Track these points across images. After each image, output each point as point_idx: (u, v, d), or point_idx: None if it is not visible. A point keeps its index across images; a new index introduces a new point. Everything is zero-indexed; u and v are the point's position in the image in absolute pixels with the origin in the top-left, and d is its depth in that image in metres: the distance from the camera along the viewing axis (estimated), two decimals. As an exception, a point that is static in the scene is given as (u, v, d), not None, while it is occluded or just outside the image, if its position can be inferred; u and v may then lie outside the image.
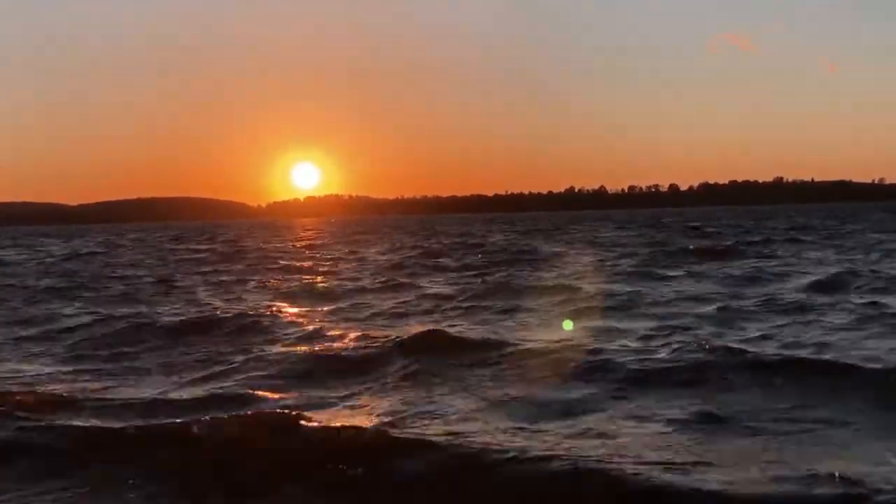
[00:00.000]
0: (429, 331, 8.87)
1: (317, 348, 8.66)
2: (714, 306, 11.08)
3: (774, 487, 4.04)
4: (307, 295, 14.99)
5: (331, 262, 25.00)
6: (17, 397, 6.45)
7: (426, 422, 5.61)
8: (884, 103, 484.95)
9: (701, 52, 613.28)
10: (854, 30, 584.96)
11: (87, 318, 11.61)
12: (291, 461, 4.70)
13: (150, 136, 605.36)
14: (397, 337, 8.57)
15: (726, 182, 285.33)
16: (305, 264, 24.40)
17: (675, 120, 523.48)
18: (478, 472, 4.41)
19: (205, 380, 7.49)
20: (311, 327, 10.28)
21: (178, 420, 5.48)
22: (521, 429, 5.28)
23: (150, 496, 4.45)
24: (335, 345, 8.85)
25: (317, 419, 5.37)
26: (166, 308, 13.11)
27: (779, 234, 33.45)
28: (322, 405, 6.25)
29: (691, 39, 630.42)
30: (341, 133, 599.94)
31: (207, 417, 5.38)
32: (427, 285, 15.98)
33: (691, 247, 24.60)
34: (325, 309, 12.66)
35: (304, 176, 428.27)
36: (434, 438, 4.89)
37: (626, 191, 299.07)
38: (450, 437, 4.95)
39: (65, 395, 6.67)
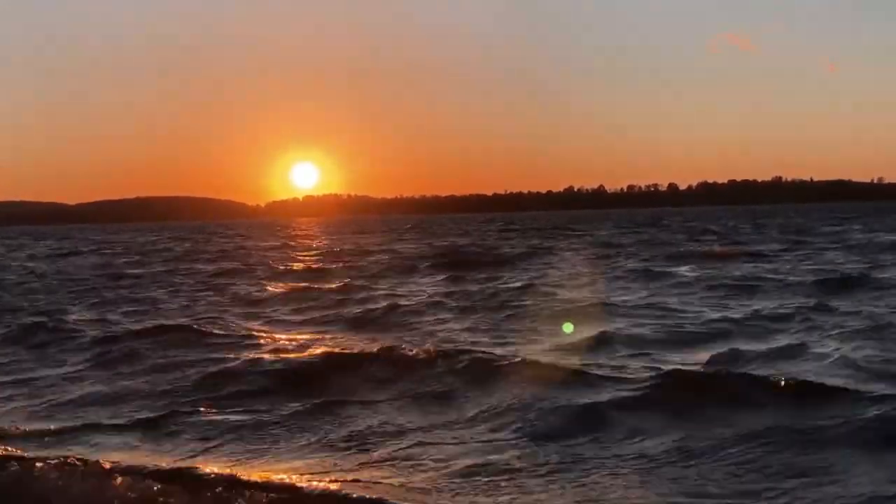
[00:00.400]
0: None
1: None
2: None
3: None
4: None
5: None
6: None
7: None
8: (883, 103, 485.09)
9: (701, 52, 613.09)
10: (854, 30, 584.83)
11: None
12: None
13: (149, 136, 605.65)
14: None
15: (725, 181, 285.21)
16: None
17: (674, 120, 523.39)
18: None
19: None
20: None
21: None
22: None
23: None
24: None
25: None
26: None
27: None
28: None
29: (691, 39, 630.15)
30: (340, 133, 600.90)
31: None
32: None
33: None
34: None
35: (304, 175, 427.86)
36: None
37: (626, 190, 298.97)
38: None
39: None
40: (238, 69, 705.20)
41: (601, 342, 9.01)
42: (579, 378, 6.87)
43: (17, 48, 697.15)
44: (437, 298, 14.27)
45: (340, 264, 24.88)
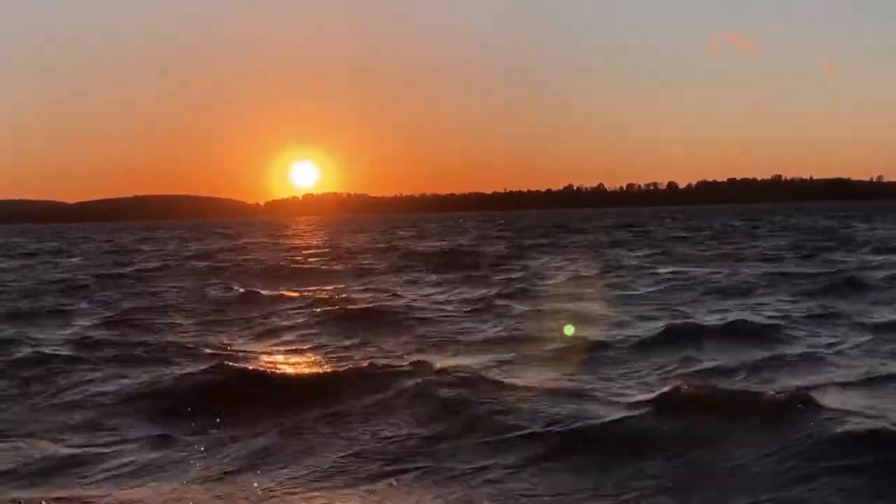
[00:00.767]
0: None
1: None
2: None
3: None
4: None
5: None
6: None
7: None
8: (883, 102, 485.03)
9: (700, 51, 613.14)
10: (854, 30, 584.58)
11: None
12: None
13: (149, 135, 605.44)
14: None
15: (725, 180, 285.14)
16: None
17: (674, 119, 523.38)
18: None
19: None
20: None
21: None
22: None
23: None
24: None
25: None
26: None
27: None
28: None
29: (691, 39, 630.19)
30: (340, 132, 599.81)
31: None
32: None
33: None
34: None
35: (303, 174, 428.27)
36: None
37: (625, 188, 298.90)
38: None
39: None
40: (238, 69, 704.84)
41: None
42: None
43: (17, 48, 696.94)
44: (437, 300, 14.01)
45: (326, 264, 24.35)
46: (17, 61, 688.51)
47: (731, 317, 10.12)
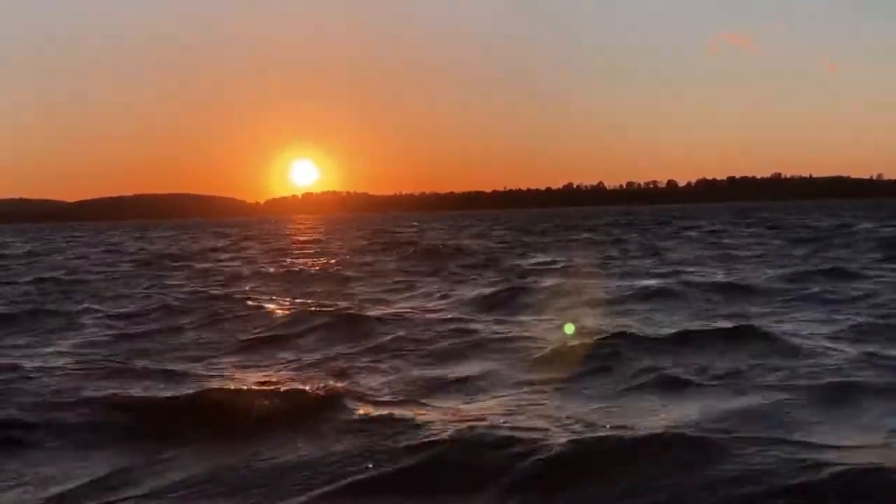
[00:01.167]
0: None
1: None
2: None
3: None
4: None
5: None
6: None
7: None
8: (882, 101, 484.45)
9: (700, 51, 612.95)
10: (853, 29, 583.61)
11: None
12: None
13: (149, 135, 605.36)
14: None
15: (725, 178, 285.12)
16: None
17: (674, 118, 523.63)
18: None
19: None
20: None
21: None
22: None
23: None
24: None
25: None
26: None
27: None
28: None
29: (691, 39, 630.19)
30: (340, 131, 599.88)
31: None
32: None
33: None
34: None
35: (303, 173, 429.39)
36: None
37: (625, 187, 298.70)
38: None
39: None
40: (238, 69, 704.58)
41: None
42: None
43: (17, 48, 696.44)
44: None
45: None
46: (17, 61, 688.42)
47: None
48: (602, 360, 7.07)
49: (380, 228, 63.36)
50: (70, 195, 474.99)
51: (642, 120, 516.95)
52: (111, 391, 6.47)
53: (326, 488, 4.42)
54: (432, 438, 4.93)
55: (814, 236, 27.79)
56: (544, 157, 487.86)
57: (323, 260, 23.81)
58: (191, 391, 6.28)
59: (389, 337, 9.01)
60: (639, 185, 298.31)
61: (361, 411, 5.68)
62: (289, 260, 24.41)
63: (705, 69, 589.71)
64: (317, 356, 8.24)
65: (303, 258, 25.00)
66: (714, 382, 6.26)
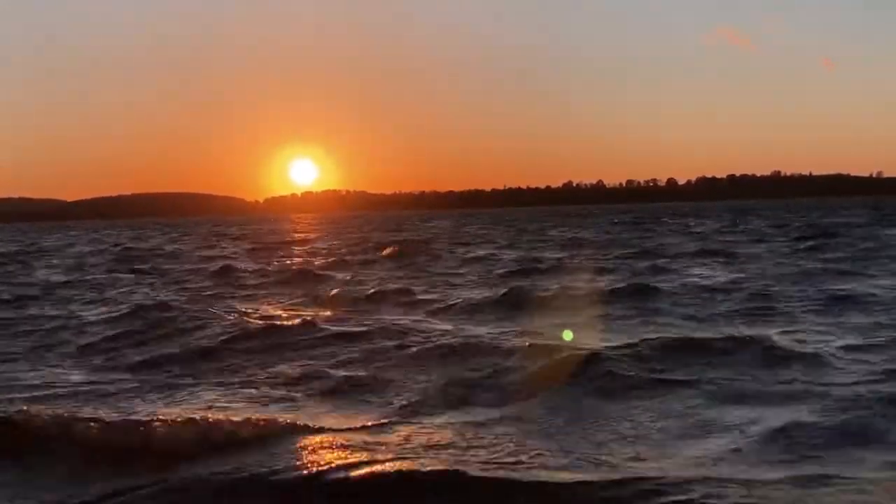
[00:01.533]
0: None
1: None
2: None
3: None
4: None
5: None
6: None
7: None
8: (882, 98, 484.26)
9: (700, 49, 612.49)
10: (853, 27, 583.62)
11: None
12: None
13: (148, 134, 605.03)
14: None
15: (724, 176, 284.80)
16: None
17: (673, 116, 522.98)
18: None
19: None
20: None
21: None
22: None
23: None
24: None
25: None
26: None
27: None
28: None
29: (690, 36, 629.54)
30: (340, 130, 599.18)
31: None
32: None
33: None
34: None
35: (302, 172, 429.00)
36: None
37: (624, 185, 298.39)
38: None
39: None
40: (237, 67, 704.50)
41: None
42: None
43: (17, 48, 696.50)
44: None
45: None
46: (17, 61, 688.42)
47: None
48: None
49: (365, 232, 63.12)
50: (69, 194, 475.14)
51: (641, 118, 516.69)
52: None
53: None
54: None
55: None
56: (544, 155, 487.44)
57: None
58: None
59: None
60: (638, 183, 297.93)
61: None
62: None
63: (705, 67, 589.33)
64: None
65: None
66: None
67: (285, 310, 12.56)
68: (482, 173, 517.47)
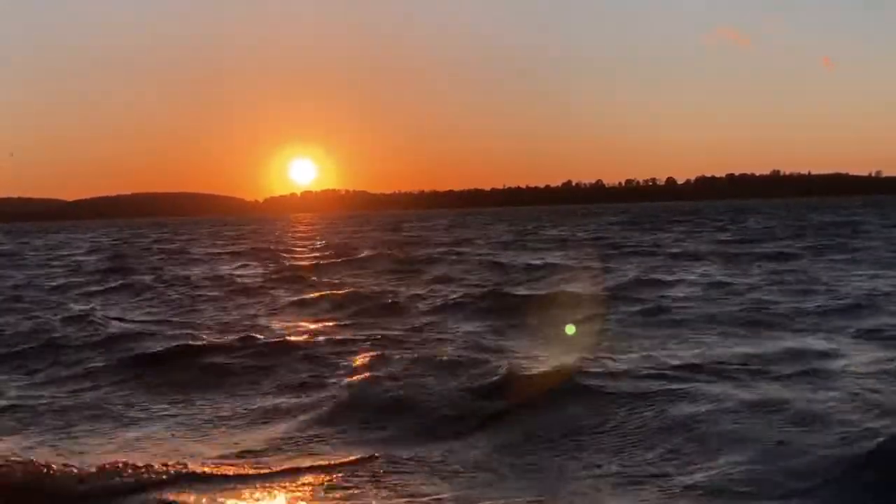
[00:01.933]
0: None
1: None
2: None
3: None
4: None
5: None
6: None
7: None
8: (881, 97, 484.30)
9: (699, 48, 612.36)
10: (853, 26, 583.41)
11: None
12: None
13: (148, 133, 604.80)
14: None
15: (724, 176, 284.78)
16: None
17: (672, 115, 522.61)
18: None
19: None
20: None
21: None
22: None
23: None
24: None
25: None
26: None
27: None
28: None
29: (689, 35, 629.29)
30: (339, 130, 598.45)
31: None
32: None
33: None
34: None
35: (302, 171, 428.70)
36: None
37: (624, 184, 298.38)
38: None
39: None
40: (238, 68, 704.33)
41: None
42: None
43: (17, 48, 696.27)
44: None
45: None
46: (17, 61, 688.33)
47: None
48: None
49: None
50: (69, 194, 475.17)
51: (641, 118, 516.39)
52: None
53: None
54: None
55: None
56: (543, 155, 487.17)
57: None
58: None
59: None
60: (638, 182, 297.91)
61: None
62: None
63: (705, 67, 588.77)
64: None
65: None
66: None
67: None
68: (482, 173, 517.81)
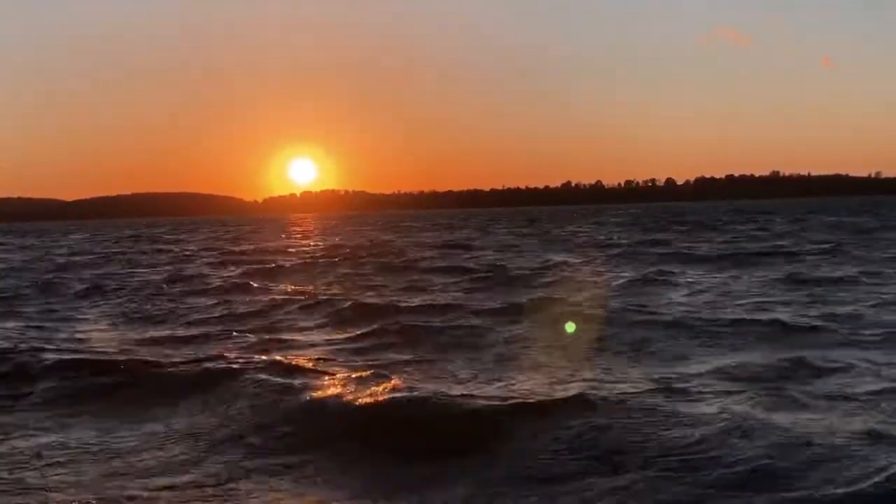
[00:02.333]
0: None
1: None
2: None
3: None
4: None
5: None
6: None
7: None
8: (881, 98, 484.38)
9: (699, 49, 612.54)
10: (852, 26, 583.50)
11: None
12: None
13: (147, 133, 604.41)
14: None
15: (723, 177, 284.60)
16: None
17: (671, 116, 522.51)
18: None
19: None
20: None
21: None
22: None
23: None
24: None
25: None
26: None
27: None
28: None
29: (688, 35, 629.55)
30: (339, 129, 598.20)
31: None
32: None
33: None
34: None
35: (301, 171, 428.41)
36: None
37: (623, 185, 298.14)
38: None
39: None
40: (238, 68, 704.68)
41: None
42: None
43: (17, 48, 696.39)
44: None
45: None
46: (17, 61, 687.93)
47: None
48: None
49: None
50: (69, 194, 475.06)
51: (641, 118, 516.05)
52: None
53: None
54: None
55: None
56: (543, 155, 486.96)
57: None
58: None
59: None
60: (637, 183, 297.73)
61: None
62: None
63: (703, 67, 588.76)
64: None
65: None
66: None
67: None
68: (481, 173, 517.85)
